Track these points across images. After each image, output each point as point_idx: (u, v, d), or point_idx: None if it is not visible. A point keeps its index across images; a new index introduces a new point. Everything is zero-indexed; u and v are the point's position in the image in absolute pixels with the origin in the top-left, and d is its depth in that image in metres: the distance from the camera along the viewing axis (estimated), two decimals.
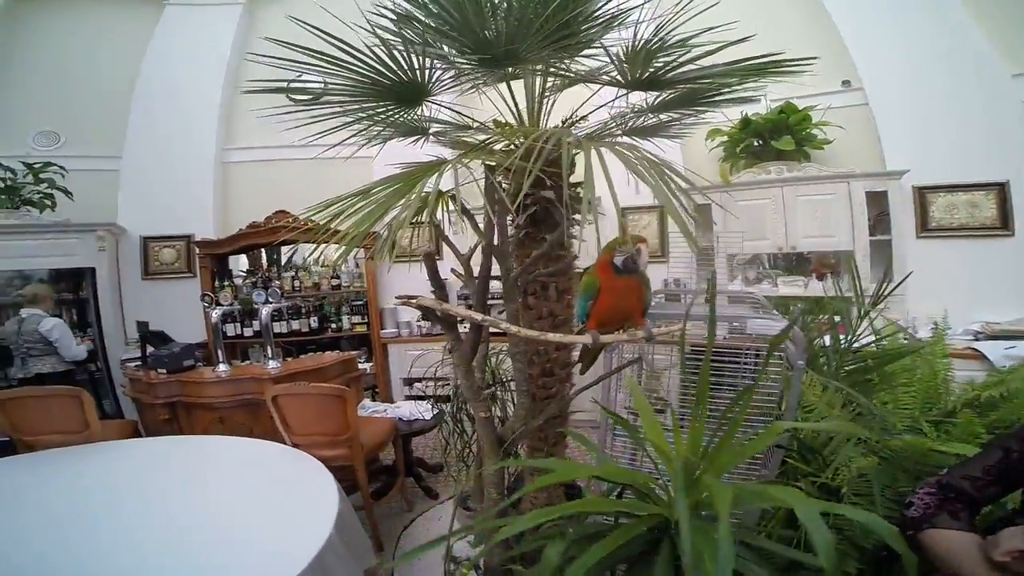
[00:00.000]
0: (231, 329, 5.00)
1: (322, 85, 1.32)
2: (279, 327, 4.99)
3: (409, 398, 4.65)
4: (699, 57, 1.24)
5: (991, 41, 3.47)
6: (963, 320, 3.43)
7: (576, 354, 2.05)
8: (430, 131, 1.76)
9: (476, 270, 1.45)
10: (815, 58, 1.14)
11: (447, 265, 1.74)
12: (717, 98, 1.55)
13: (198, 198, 5.09)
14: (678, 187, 1.00)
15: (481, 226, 1.44)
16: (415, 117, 1.55)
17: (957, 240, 3.68)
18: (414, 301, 1.26)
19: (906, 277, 2.13)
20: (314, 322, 5.20)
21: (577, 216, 1.99)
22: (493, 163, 1.34)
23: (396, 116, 1.44)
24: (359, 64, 1.22)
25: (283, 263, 5.57)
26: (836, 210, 3.73)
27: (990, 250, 3.58)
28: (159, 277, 4.98)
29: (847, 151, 3.77)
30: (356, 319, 5.23)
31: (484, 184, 1.56)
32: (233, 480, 1.83)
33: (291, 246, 5.47)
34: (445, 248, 5.07)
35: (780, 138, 3.60)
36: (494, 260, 1.41)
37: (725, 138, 3.96)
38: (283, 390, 2.43)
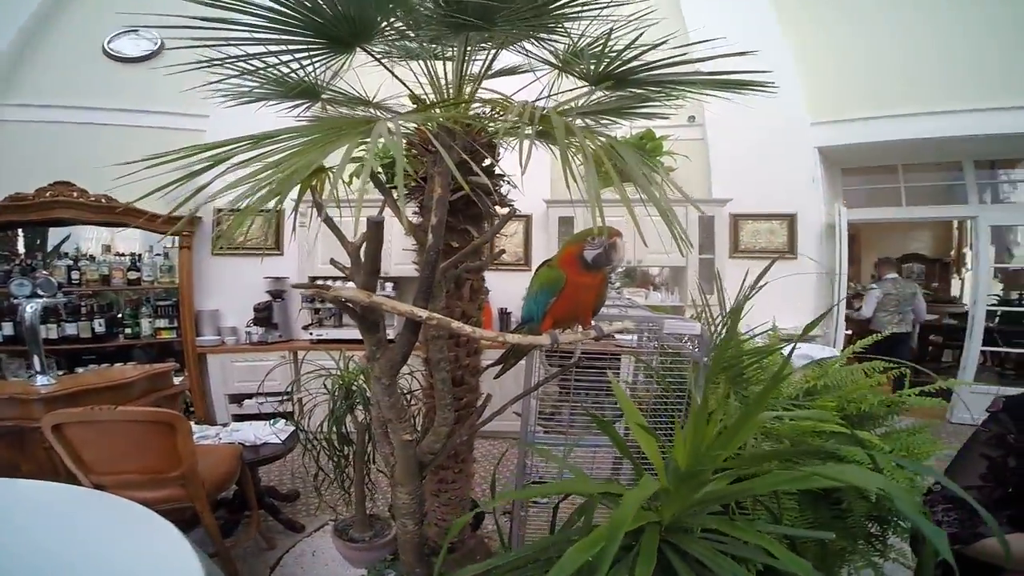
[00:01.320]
0: None
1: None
2: (48, 331, 3.79)
3: (240, 418, 3.91)
4: (674, 61, 1.21)
5: (799, 90, 4.29)
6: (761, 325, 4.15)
7: (486, 360, 1.90)
8: (323, 96, 1.46)
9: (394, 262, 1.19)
10: (769, 75, 1.19)
11: (285, 263, 1.40)
12: (646, 108, 1.57)
13: None
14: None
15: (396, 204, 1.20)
16: (315, 77, 1.25)
17: (758, 260, 4.47)
18: (331, 292, 0.97)
19: (763, 286, 2.44)
20: (99, 325, 4.07)
21: (504, 209, 1.84)
22: (441, 128, 1.12)
23: (318, 60, 1.13)
24: None
25: (53, 248, 4.27)
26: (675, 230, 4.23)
27: (780, 269, 4.43)
28: None
29: (684, 179, 4.31)
30: (162, 323, 4.24)
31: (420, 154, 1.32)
32: (18, 544, 1.15)
33: (69, 227, 4.21)
34: (289, 241, 4.43)
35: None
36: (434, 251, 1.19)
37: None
38: (72, 416, 1.76)
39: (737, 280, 3.75)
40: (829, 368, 2.29)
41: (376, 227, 0.90)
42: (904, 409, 1.96)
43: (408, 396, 1.94)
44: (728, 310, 2.48)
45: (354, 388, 2.06)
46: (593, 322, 1.21)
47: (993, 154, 4.30)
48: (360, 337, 1.14)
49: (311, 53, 1.09)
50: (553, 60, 1.33)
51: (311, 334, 4.24)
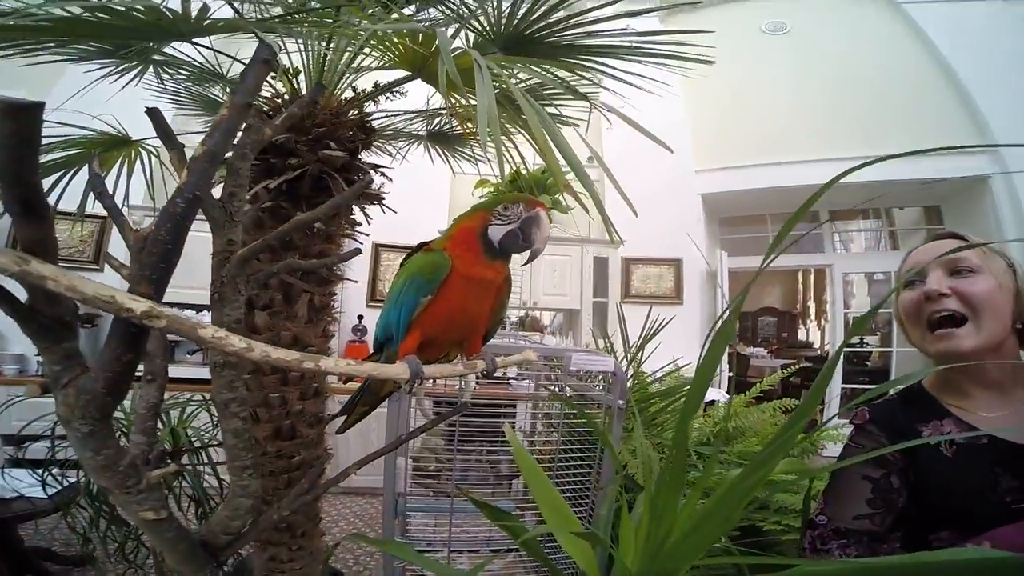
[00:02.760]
0: None
1: None
2: None
3: (16, 463, 2.91)
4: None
5: (686, 138, 4.53)
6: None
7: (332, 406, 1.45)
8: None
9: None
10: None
11: (105, 281, 0.94)
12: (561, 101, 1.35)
13: None
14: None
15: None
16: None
17: (647, 305, 4.51)
18: None
19: (663, 326, 2.32)
20: None
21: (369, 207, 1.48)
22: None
23: None
24: None
25: None
26: (569, 272, 4.13)
27: (666, 313, 4.51)
28: None
29: (581, 220, 4.28)
30: None
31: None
32: None
33: None
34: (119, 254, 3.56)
35: (538, 196, 3.82)
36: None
37: (491, 190, 4.00)
38: None
39: (630, 325, 3.72)
40: (733, 410, 2.18)
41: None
42: (817, 448, 1.87)
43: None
44: (632, 349, 2.34)
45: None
46: (483, 349, 0.86)
47: (846, 204, 4.86)
48: (208, 376, 0.70)
49: None
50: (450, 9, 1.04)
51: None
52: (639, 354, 2.29)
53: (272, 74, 1.51)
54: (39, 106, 0.37)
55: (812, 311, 8.49)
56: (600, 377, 1.72)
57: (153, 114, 0.67)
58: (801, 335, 8.52)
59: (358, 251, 1.04)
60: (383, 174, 1.60)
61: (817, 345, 7.81)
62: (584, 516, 1.36)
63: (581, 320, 4.06)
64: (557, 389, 1.84)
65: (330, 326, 1.51)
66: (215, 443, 1.47)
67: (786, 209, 5.00)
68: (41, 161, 1.50)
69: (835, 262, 4.82)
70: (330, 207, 0.81)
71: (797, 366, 3.01)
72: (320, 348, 1.46)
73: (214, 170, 0.55)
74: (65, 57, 0.97)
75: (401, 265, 0.83)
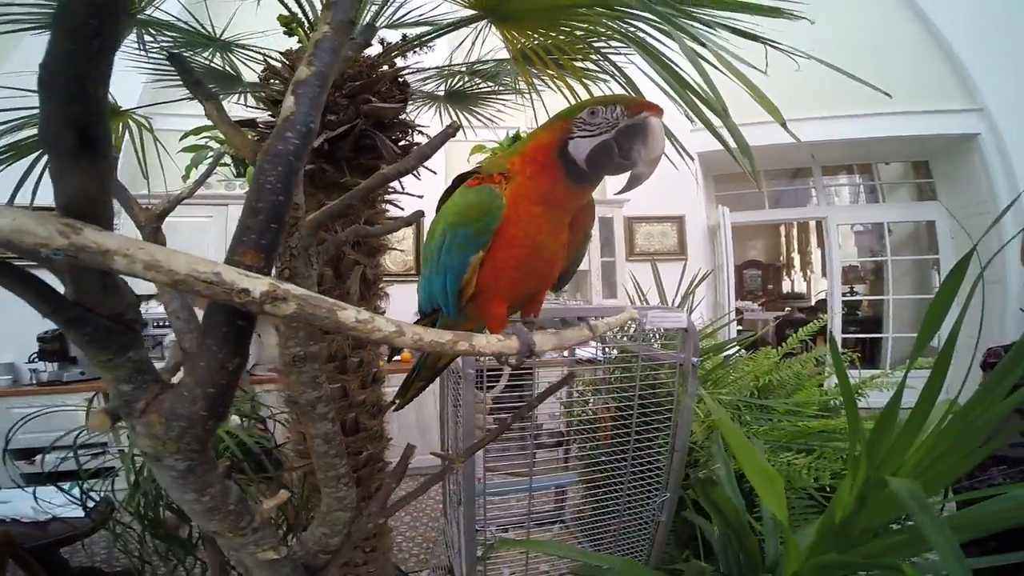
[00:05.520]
0: None
1: None
2: None
3: (32, 479, 2.77)
4: None
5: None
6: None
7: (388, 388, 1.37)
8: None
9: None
10: None
11: None
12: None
13: None
14: None
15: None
16: None
17: (652, 262, 4.50)
18: None
19: (707, 274, 2.31)
20: None
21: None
22: None
23: None
24: None
25: None
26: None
27: (672, 270, 4.52)
28: None
29: None
30: None
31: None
32: None
33: None
34: None
35: None
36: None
37: (488, 155, 3.85)
38: None
39: (633, 281, 3.68)
40: (761, 362, 2.18)
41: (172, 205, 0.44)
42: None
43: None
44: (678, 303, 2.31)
45: None
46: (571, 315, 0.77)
47: (835, 160, 4.87)
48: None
49: None
50: None
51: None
52: (681, 308, 2.26)
53: (286, 27, 1.36)
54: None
55: (796, 262, 8.64)
56: (655, 335, 1.68)
57: (177, 59, 0.54)
58: (786, 286, 8.69)
59: (421, 213, 0.95)
60: (421, 131, 1.48)
61: (807, 296, 7.99)
62: (657, 479, 1.34)
63: (590, 279, 4.02)
64: (602, 352, 1.79)
65: (381, 302, 1.43)
66: (274, 444, 1.37)
67: (779, 165, 4.98)
68: (13, 141, 1.32)
69: (830, 214, 4.85)
70: (416, 159, 0.62)
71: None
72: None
73: (324, 97, 0.43)
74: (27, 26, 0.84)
75: (437, 210, 0.66)
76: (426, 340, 0.46)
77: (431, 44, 1.37)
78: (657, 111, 0.54)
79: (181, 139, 2.64)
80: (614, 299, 4.23)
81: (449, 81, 1.91)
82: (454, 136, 0.58)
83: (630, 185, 0.57)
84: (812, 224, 6.94)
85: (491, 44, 1.50)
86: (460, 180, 0.64)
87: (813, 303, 7.28)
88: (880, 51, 4.17)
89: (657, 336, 1.62)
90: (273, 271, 0.42)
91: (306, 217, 0.60)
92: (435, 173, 1.34)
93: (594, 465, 1.45)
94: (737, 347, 2.00)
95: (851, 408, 0.56)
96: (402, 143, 1.36)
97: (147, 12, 1.24)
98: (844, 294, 6.12)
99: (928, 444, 0.45)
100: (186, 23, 1.40)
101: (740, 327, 5.33)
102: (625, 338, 1.72)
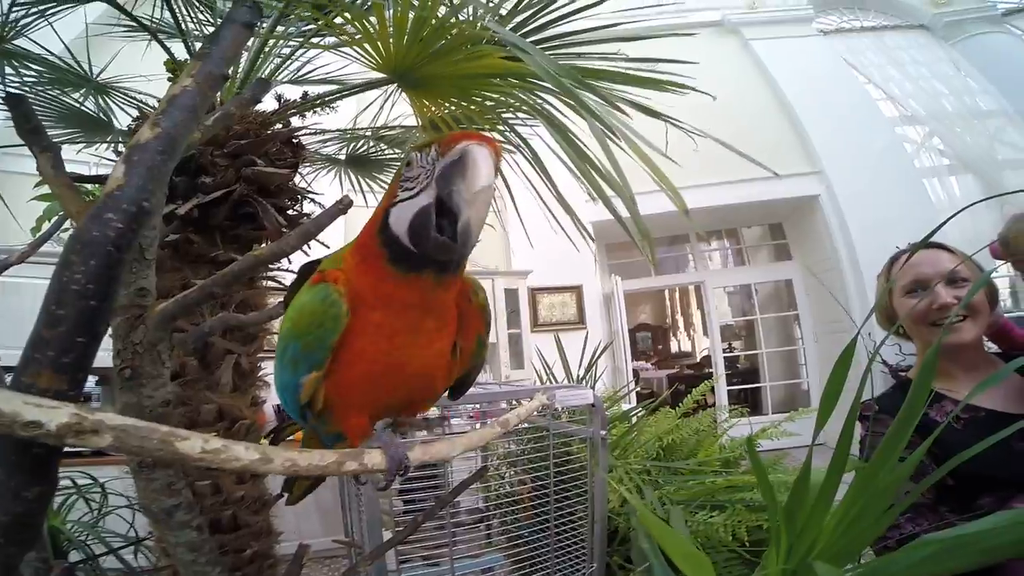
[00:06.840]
0: None
1: None
2: None
3: None
4: None
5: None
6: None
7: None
8: None
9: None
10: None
11: None
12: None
13: None
14: None
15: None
16: None
17: (554, 332, 4.65)
18: None
19: (607, 345, 2.39)
20: None
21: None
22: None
23: None
24: None
25: None
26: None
27: (573, 339, 4.69)
28: None
29: (488, 252, 4.30)
30: None
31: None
32: None
33: None
34: None
35: None
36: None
37: None
38: None
39: (544, 354, 3.77)
40: (662, 422, 2.29)
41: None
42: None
43: None
44: (578, 376, 2.37)
45: None
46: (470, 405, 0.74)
47: (708, 226, 5.50)
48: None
49: None
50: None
51: None
52: (585, 378, 2.34)
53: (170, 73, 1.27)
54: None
55: (681, 323, 9.44)
56: (563, 411, 1.70)
57: (13, 100, 0.46)
58: (674, 346, 9.40)
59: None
60: (313, 200, 1.43)
61: (693, 353, 8.68)
62: (581, 550, 1.31)
63: (499, 352, 4.03)
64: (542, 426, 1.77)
65: (260, 391, 1.29)
66: (123, 540, 1.14)
67: (660, 233, 5.54)
68: None
69: (706, 278, 5.45)
70: (298, 239, 0.54)
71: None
72: (252, 420, 1.24)
73: (171, 166, 0.35)
74: None
75: (284, 306, 0.52)
76: (302, 465, 0.39)
77: (335, 105, 1.35)
78: (479, 139, 0.42)
79: (35, 187, 2.33)
80: (522, 369, 4.26)
81: (353, 145, 1.88)
82: (345, 213, 0.53)
83: (463, 237, 0.40)
84: (691, 288, 7.69)
85: (399, 110, 1.47)
86: (308, 270, 0.50)
87: (699, 359, 7.90)
88: (737, 117, 4.81)
89: (565, 411, 1.64)
90: (89, 384, 0.36)
91: (156, 307, 0.52)
92: (328, 248, 1.16)
93: (518, 540, 1.39)
94: (641, 410, 2.08)
95: (767, 490, 0.60)
96: (291, 211, 1.26)
97: (13, 42, 1.13)
98: (724, 350, 6.78)
99: (841, 511, 0.50)
100: (58, 57, 1.28)
101: (637, 387, 5.60)
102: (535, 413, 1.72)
